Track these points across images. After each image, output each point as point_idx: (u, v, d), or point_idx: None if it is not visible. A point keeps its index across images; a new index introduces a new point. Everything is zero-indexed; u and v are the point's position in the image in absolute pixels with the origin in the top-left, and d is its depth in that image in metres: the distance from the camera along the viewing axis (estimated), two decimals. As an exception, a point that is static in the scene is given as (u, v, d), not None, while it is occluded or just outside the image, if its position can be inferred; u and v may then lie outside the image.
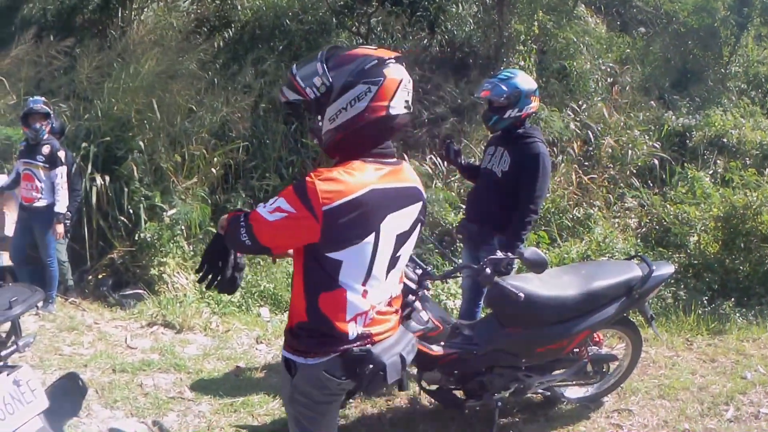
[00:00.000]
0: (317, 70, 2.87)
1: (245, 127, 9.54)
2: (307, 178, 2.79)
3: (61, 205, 7.81)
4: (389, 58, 2.91)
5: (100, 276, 8.89)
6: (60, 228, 7.88)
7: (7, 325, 3.86)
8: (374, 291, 3.00)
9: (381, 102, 2.83)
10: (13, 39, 12.54)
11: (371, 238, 2.87)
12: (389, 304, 3.13)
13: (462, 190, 9.45)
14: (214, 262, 3.35)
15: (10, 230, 8.51)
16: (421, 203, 3.15)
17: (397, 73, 2.90)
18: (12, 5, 15.84)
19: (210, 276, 3.37)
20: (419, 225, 3.17)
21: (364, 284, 2.95)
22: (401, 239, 3.03)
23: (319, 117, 2.91)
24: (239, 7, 12.57)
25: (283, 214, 2.80)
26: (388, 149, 3.01)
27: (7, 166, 9.71)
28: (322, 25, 11.60)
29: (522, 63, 11.17)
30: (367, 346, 2.97)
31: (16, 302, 3.58)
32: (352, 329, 2.95)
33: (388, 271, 3.04)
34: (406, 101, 2.94)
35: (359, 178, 2.82)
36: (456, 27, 11.56)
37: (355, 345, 2.95)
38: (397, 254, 3.05)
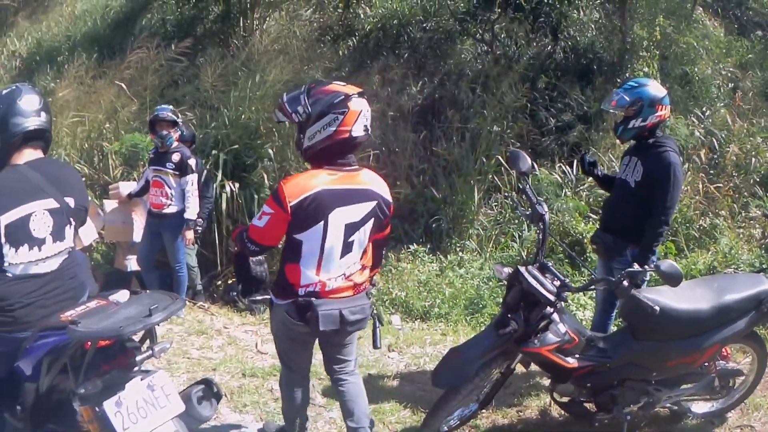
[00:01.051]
0: (301, 100, 4.00)
1: (375, 136, 9.50)
2: (279, 185, 4.05)
3: (192, 212, 7.91)
4: (353, 94, 4.00)
5: (229, 281, 8.96)
6: (190, 234, 7.99)
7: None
8: (326, 268, 4.11)
9: (345, 127, 3.95)
10: (133, 48, 12.78)
11: (321, 224, 4.02)
12: (346, 278, 4.21)
13: (591, 199, 9.29)
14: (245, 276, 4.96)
15: (138, 236, 8.63)
16: (375, 201, 4.20)
17: (357, 105, 4.00)
18: (131, 15, 16.18)
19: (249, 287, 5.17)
20: (372, 218, 4.21)
21: (318, 262, 4.08)
22: (351, 228, 4.12)
23: (302, 135, 4.08)
24: (362, 16, 12.55)
25: (268, 216, 4.05)
26: (348, 159, 4.16)
27: (134, 173, 9.86)
28: (446, 33, 11.51)
29: (646, 69, 10.95)
30: (311, 299, 4.06)
31: (156, 309, 3.51)
32: (302, 291, 4.09)
33: (342, 254, 4.14)
34: (365, 126, 4.06)
35: (313, 181, 4.01)
36: (579, 33, 11.38)
37: (301, 297, 4.08)
38: (349, 240, 4.14)
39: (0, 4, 22.13)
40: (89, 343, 3.46)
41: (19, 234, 3.54)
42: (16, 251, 3.53)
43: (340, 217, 4.05)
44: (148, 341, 3.89)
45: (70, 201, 3.73)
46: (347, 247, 4.15)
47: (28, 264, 3.59)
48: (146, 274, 8.45)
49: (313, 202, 3.96)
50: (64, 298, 3.77)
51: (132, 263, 8.87)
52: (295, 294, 4.11)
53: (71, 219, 3.75)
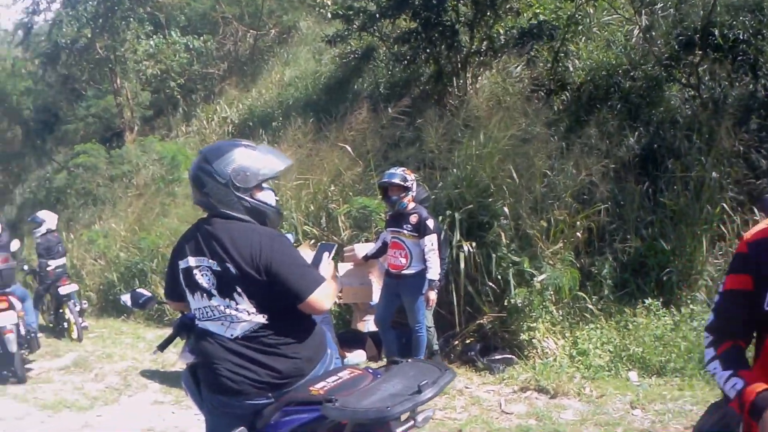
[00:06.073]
0: None
1: (608, 189, 9.41)
2: None
3: (434, 272, 7.85)
4: None
5: (467, 341, 8.93)
6: (433, 295, 7.95)
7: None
8: None
9: None
10: (347, 112, 13.12)
11: None
12: None
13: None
14: None
15: (376, 297, 8.79)
16: None
17: None
18: (342, 80, 16.64)
19: None
20: None
21: None
22: None
23: None
24: (571, 69, 12.59)
25: None
26: None
27: (365, 234, 10.05)
28: (653, 80, 11.34)
29: None
30: None
31: (425, 385, 3.11)
32: None
33: None
34: None
35: None
36: (775, 67, 10.95)
37: None
38: None
39: (205, 73, 23.18)
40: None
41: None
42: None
43: None
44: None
45: None
46: None
47: None
48: (384, 335, 8.54)
49: None
50: None
51: (369, 324, 9.01)
52: None
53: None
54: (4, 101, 26.92)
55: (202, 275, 3.59)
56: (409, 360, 3.69)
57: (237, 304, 3.54)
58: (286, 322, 3.60)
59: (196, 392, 3.95)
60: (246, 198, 3.66)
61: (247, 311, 3.54)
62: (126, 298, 4.71)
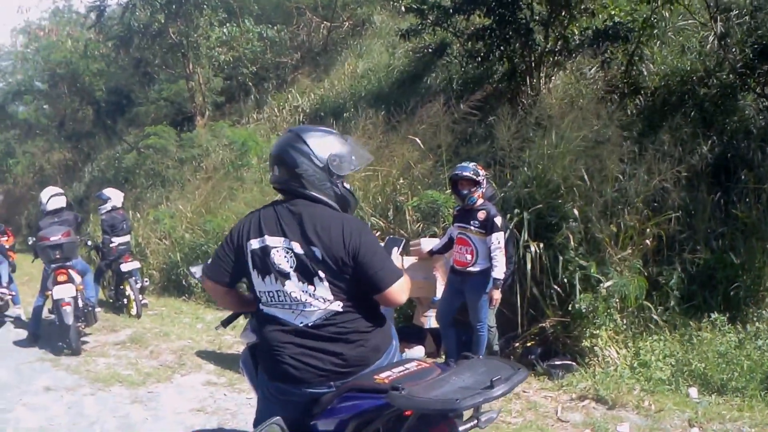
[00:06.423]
0: None
1: (679, 197, 9.23)
2: None
3: (499, 271, 7.73)
4: None
5: (528, 344, 8.79)
6: (497, 294, 7.81)
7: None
8: None
9: None
10: (418, 106, 13.05)
11: None
12: None
13: None
14: None
15: (439, 293, 8.66)
16: None
17: None
18: (415, 74, 16.60)
19: None
20: None
21: None
22: None
23: None
24: (645, 73, 12.37)
25: None
26: None
27: (433, 228, 9.96)
28: (727, 89, 11.10)
29: None
30: None
31: (498, 381, 3.04)
32: None
33: None
34: None
35: None
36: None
37: None
38: None
39: (278, 62, 23.30)
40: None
41: None
42: None
43: None
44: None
45: None
46: None
47: None
48: (444, 331, 8.45)
49: None
50: None
51: (431, 320, 8.92)
52: None
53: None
54: (76, 81, 27.34)
55: (281, 256, 3.58)
56: (481, 356, 3.65)
57: (315, 289, 3.55)
58: (359, 311, 3.63)
59: (254, 373, 4.02)
60: (338, 184, 3.71)
61: (323, 298, 3.55)
62: (196, 270, 4.71)
